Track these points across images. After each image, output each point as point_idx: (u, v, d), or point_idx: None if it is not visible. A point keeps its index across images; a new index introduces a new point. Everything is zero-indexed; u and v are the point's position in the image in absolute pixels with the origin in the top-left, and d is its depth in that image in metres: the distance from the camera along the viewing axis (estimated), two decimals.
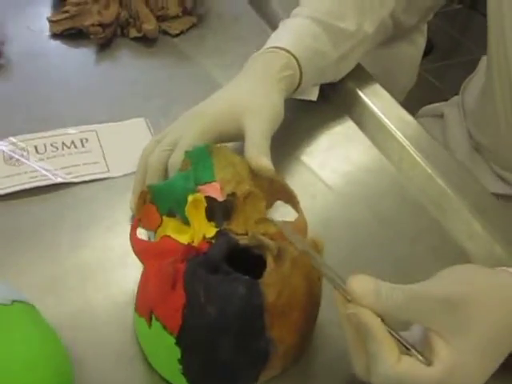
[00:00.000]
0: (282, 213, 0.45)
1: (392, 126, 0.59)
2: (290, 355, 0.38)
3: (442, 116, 0.77)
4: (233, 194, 0.41)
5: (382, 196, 0.54)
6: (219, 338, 0.35)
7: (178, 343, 0.35)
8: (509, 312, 0.35)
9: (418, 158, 0.56)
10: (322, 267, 0.36)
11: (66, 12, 0.69)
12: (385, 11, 0.62)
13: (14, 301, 0.38)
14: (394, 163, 0.57)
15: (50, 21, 0.69)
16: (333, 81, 0.62)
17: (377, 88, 0.64)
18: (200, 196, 0.40)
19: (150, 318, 0.37)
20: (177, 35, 0.72)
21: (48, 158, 0.53)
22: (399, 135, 0.58)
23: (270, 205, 0.47)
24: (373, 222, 0.52)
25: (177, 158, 0.44)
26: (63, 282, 0.45)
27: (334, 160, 0.57)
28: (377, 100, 0.62)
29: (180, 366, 0.36)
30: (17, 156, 0.53)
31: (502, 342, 0.35)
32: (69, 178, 0.52)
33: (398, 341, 0.34)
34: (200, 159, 0.43)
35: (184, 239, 0.40)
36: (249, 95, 0.48)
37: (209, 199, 0.41)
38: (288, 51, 0.53)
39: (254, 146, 0.45)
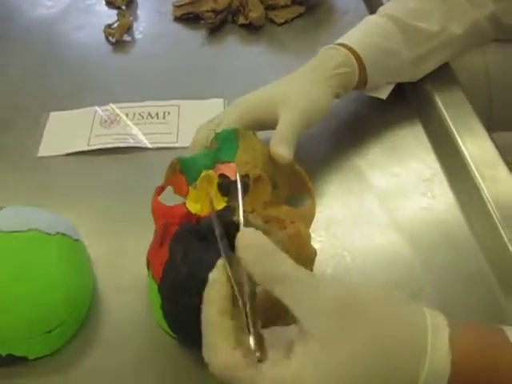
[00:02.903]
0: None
1: (458, 138, 0.56)
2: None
3: None
4: (246, 175, 0.46)
5: (424, 207, 0.54)
6: (187, 297, 0.40)
7: (159, 291, 0.42)
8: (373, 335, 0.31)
9: (475, 178, 0.53)
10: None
11: None
12: (478, 13, 0.60)
13: (58, 232, 0.48)
14: (448, 174, 0.56)
15: (174, 5, 0.78)
16: (410, 81, 0.62)
17: (457, 94, 0.61)
18: (212, 173, 0.46)
19: (148, 267, 0.44)
20: (281, 24, 0.77)
21: (134, 125, 0.63)
22: (462, 148, 0.55)
23: (291, 191, 0.50)
24: (398, 239, 0.52)
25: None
26: (112, 228, 0.54)
27: (385, 161, 0.58)
28: (452, 107, 0.60)
29: (161, 311, 0.43)
30: (110, 120, 0.63)
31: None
32: (143, 144, 0.61)
33: (247, 321, 0.33)
34: (225, 141, 0.48)
35: (195, 208, 0.46)
36: (289, 88, 0.52)
37: (223, 177, 0.46)
38: (350, 48, 0.55)
39: (278, 134, 0.48)
